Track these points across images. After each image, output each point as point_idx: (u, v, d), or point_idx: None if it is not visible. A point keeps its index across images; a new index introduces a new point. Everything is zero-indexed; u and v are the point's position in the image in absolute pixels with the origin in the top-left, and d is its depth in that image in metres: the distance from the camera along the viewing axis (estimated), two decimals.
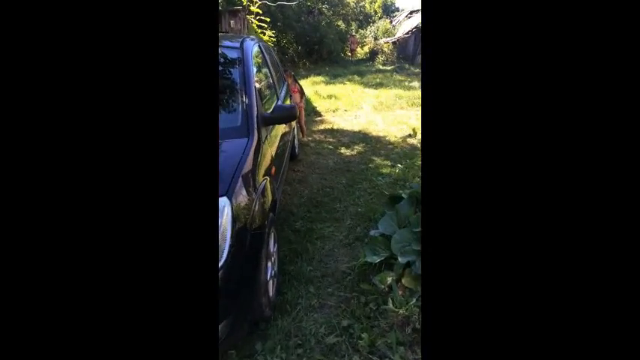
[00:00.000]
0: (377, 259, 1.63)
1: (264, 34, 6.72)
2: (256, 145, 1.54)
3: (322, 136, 4.38)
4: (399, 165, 3.20)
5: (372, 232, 1.89)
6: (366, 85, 8.18)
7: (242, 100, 1.71)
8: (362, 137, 4.24)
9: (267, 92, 2.29)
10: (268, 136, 1.82)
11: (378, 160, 3.44)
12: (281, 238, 2.14)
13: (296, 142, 3.58)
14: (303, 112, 4.12)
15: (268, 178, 1.59)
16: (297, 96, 3.97)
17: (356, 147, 3.90)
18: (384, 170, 3.17)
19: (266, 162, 1.63)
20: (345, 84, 8.31)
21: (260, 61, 2.44)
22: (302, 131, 4.19)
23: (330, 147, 3.93)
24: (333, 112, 5.73)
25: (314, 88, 7.51)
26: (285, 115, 1.84)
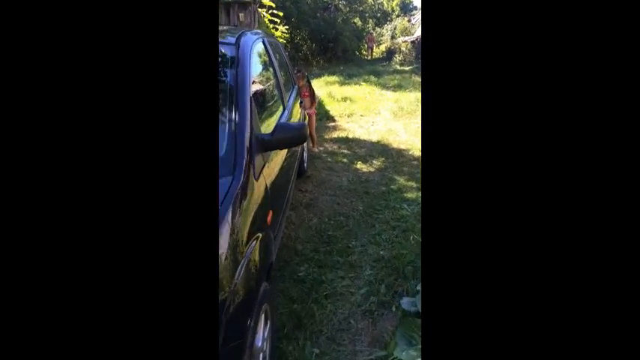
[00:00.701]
0: (415, 356, 1.13)
1: (277, 30, 6.25)
2: (244, 188, 1.05)
3: (335, 147, 3.88)
4: None
5: (404, 304, 1.38)
6: (384, 86, 7.63)
7: (231, 118, 1.23)
8: (381, 149, 3.72)
9: (270, 102, 1.80)
10: (266, 165, 1.33)
11: (401, 181, 2.92)
12: (280, 290, 1.65)
13: (305, 154, 3.09)
14: (314, 120, 3.62)
15: (261, 236, 1.10)
16: (307, 101, 3.46)
17: (374, 161, 3.39)
18: (409, 195, 2.66)
19: (258, 209, 1.14)
20: (360, 85, 7.77)
21: (265, 61, 1.95)
22: (312, 141, 3.69)
23: (345, 160, 3.43)
24: (348, 117, 5.22)
25: (327, 89, 6.99)
26: (290, 137, 1.35)
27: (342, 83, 7.93)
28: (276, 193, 1.46)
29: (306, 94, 3.48)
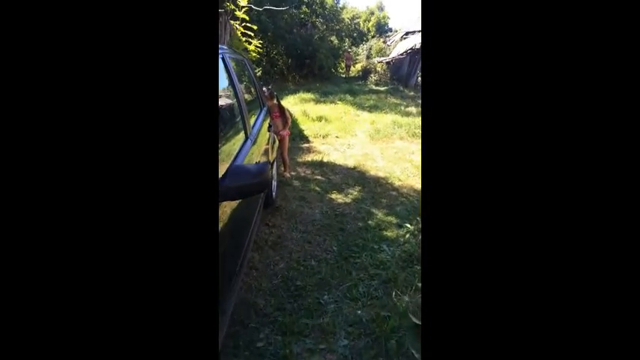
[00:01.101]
0: None
1: (250, 44, 5.97)
2: None
3: (309, 171, 3.58)
4: (409, 226, 2.41)
5: None
6: (360, 106, 7.50)
7: None
8: (357, 177, 3.46)
9: (227, 130, 1.48)
10: None
11: (379, 215, 2.65)
12: None
13: (274, 182, 2.77)
14: (287, 142, 3.33)
15: None
16: (279, 122, 3.17)
17: (350, 191, 3.11)
18: (389, 233, 2.38)
19: None
20: (336, 104, 7.61)
21: (225, 79, 1.63)
22: (285, 165, 3.38)
23: (318, 189, 3.13)
24: (323, 137, 4.96)
25: (302, 106, 6.75)
26: (245, 186, 1.03)
27: (317, 101, 7.73)
28: (225, 256, 1.13)
29: (277, 114, 3.19)
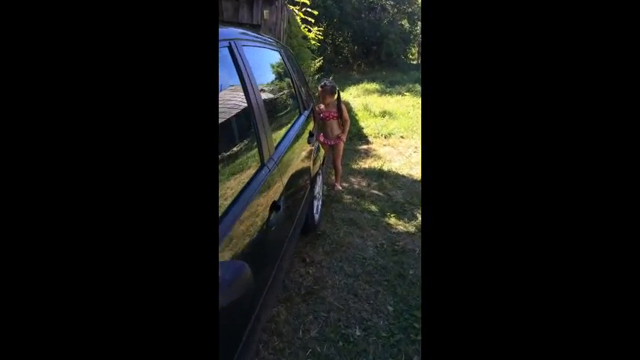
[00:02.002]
0: None
1: (310, 31, 5.46)
2: None
3: (364, 183, 2.98)
4: None
5: None
6: None
7: None
8: None
9: (226, 161, 0.96)
10: None
11: None
12: None
13: (317, 202, 2.22)
14: (341, 147, 2.76)
15: None
16: (335, 124, 2.62)
17: (415, 214, 2.45)
18: None
19: None
20: (403, 95, 6.77)
21: (235, 81, 1.12)
22: (336, 175, 2.83)
23: (374, 209, 2.52)
24: (385, 138, 4.28)
25: (365, 99, 6.08)
26: None
27: (382, 92, 6.97)
28: (230, 313, 0.62)
29: (334, 114, 2.63)
